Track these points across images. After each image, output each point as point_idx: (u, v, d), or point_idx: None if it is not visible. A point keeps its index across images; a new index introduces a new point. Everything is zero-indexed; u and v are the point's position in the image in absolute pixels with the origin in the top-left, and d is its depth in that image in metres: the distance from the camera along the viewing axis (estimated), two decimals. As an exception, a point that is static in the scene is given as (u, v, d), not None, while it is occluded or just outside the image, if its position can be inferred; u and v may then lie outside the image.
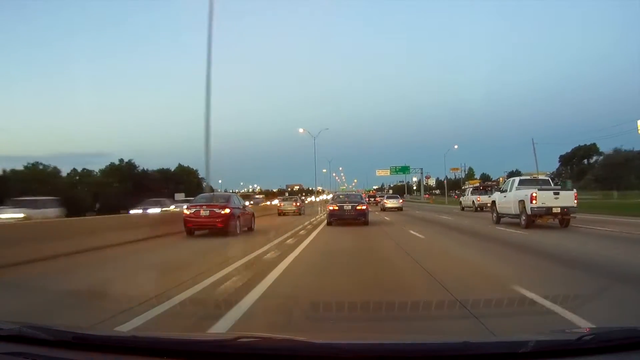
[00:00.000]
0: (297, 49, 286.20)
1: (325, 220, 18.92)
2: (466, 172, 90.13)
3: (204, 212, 14.03)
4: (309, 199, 38.46)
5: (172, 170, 65.97)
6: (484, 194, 30.66)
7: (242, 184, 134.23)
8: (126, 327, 3.82)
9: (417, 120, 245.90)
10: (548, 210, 14.39)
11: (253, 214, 17.09)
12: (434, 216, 25.23)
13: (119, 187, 51.71)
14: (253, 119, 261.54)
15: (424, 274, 6.66)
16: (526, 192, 14.88)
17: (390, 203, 35.71)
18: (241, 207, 15.68)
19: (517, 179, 17.32)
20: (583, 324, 3.73)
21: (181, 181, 60.32)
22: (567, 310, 4.19)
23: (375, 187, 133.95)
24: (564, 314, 4.13)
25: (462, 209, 32.58)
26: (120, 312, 4.36)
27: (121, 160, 59.47)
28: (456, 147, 75.97)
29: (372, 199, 49.56)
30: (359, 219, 17.67)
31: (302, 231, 15.28)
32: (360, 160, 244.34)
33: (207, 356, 1.78)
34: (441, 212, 29.24)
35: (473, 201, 30.69)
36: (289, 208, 30.93)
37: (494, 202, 18.25)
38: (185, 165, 68.72)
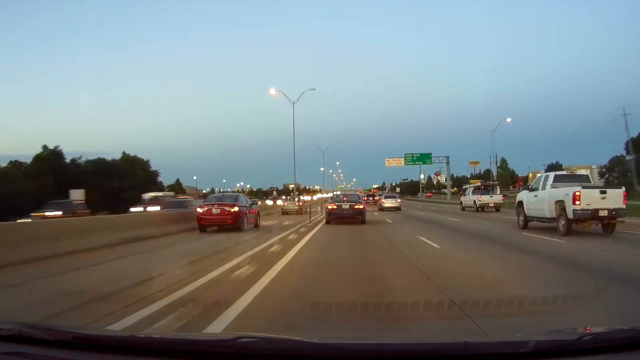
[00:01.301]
0: (296, 46, 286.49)
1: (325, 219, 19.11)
2: (498, 165, 72.12)
3: (215, 210, 15.38)
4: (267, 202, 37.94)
5: (114, 160, 50.99)
6: (486, 194, 30.69)
7: (224, 181, 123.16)
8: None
9: (428, 116, 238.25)
10: (594, 214, 11.62)
11: (258, 212, 18.64)
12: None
13: (37, 182, 38.29)
14: (252, 116, 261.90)
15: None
16: (566, 191, 12.18)
17: (388, 203, 34.79)
18: (248, 205, 16.97)
19: (551, 174, 14.41)
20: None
21: (125, 174, 48.63)
22: None
23: (375, 186, 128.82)
24: None
25: (463, 209, 32.33)
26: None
27: (45, 148, 45.08)
28: (509, 120, 55.38)
29: (372, 199, 48.88)
30: (356, 218, 18.20)
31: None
32: (361, 157, 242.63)
33: (208, 356, 1.79)
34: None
35: (474, 201, 30.54)
36: (292, 207, 32.75)
37: (520, 203, 15.23)
38: (132, 154, 54.39)
